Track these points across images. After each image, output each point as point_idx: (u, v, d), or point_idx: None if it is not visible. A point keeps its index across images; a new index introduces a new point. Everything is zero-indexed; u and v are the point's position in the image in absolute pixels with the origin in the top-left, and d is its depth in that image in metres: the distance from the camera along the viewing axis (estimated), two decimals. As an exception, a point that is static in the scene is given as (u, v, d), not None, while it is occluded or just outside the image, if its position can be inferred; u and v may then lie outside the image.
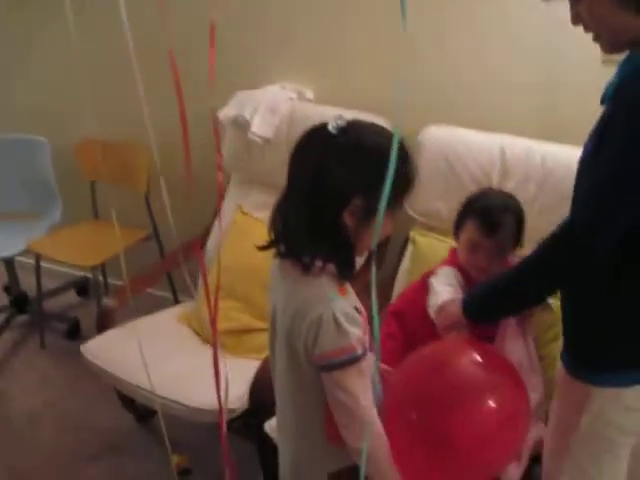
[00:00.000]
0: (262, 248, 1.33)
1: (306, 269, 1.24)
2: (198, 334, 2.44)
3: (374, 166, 1.15)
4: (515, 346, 1.72)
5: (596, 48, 2.06)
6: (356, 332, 1.23)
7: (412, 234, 2.28)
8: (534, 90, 2.28)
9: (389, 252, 2.44)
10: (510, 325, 1.71)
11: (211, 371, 2.14)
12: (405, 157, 1.25)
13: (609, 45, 1.32)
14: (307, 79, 2.61)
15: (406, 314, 1.88)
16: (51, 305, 3.31)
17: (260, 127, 2.44)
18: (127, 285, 2.57)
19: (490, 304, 1.54)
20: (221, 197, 1.08)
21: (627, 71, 1.26)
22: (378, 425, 1.29)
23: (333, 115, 2.39)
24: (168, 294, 3.12)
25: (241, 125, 2.50)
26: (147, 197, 2.97)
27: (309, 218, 1.22)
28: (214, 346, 1.21)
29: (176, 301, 3.09)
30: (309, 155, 1.24)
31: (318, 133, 1.24)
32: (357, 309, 1.28)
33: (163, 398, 2.07)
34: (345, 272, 1.27)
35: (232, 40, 2.69)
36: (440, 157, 2.16)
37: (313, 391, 1.30)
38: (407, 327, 1.86)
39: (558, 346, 1.99)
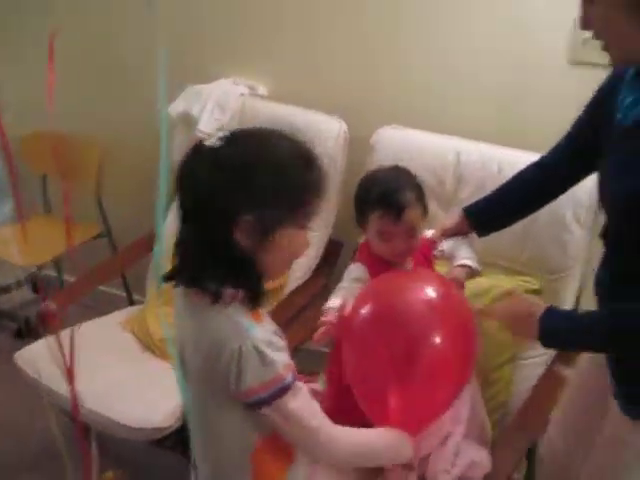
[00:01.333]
0: (168, 279, 1.20)
1: (215, 298, 1.12)
2: (140, 341, 2.33)
3: (262, 179, 1.08)
4: None
5: (561, 51, 1.97)
6: (282, 358, 1.15)
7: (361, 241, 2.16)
8: (494, 93, 2.16)
9: (341, 260, 2.35)
10: None
11: (143, 384, 2.04)
12: (305, 164, 1.15)
13: (617, 60, 1.23)
14: (262, 74, 2.48)
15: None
16: (4, 302, 3.19)
17: (207, 124, 2.32)
18: (65, 289, 2.48)
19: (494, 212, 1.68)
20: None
21: None
22: (339, 437, 1.22)
23: (285, 112, 2.29)
24: (123, 292, 3.02)
25: (189, 122, 2.38)
26: (98, 193, 2.84)
27: (203, 241, 1.11)
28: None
29: (130, 300, 2.98)
30: (192, 173, 1.12)
31: (200, 148, 1.13)
32: (276, 333, 1.18)
33: (91, 412, 1.96)
34: (255, 299, 1.15)
35: (184, 31, 2.56)
36: (393, 160, 1.98)
37: (236, 436, 1.20)
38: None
39: (512, 368, 1.91)
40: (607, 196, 1.34)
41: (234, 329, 1.11)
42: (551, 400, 1.77)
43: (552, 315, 1.35)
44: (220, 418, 1.20)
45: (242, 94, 2.40)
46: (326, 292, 2.30)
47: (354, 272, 1.69)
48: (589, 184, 1.61)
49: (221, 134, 1.11)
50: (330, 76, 2.38)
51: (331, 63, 2.37)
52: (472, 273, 1.66)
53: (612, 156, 1.32)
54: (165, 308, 2.27)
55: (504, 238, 1.82)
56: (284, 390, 1.13)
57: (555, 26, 2.00)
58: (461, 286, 1.63)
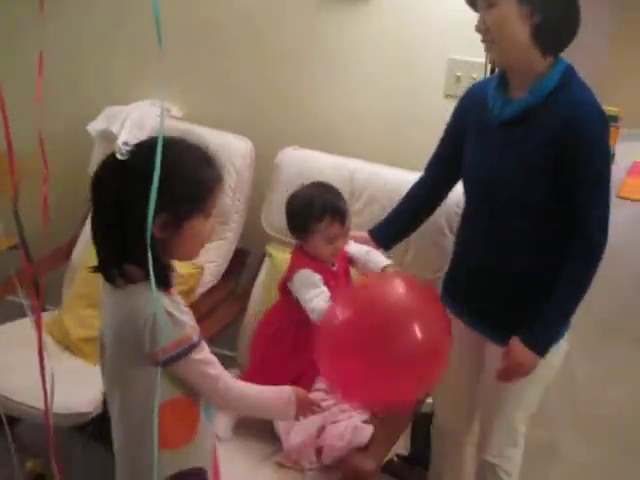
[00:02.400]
0: (94, 270, 1.35)
1: (128, 278, 1.29)
2: (59, 343, 2.48)
3: (170, 181, 1.21)
4: None
5: (439, 86, 2.31)
6: (189, 320, 1.32)
7: (268, 249, 2.42)
8: (383, 121, 2.50)
9: (248, 266, 2.59)
10: None
11: (64, 376, 2.21)
12: (204, 163, 1.34)
13: (500, 56, 1.66)
14: (176, 97, 2.72)
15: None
16: None
17: (127, 139, 2.52)
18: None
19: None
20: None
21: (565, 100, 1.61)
22: (234, 387, 1.41)
23: (198, 132, 2.53)
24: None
25: (109, 139, 2.57)
26: (15, 205, 2.97)
27: (121, 240, 1.27)
28: (39, 346, 1.25)
29: (43, 309, 3.09)
30: (106, 185, 1.29)
31: (110, 162, 1.30)
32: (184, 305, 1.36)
33: (14, 403, 2.13)
34: (160, 281, 1.27)
35: (103, 56, 2.78)
36: (295, 177, 2.29)
37: (145, 398, 1.31)
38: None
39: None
40: (498, 176, 1.72)
41: (147, 300, 1.27)
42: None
43: (531, 337, 1.71)
44: (132, 378, 1.35)
45: (158, 115, 2.61)
46: (233, 295, 2.55)
47: (314, 277, 1.95)
48: (455, 197, 1.98)
49: (128, 147, 1.27)
50: (239, 100, 2.66)
51: (239, 88, 2.65)
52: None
53: (494, 146, 1.73)
54: (86, 311, 2.47)
55: (392, 243, 2.12)
56: (192, 347, 1.31)
57: (435, 65, 2.36)
58: None
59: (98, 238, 1.34)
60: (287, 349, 2.00)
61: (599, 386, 3.27)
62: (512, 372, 1.74)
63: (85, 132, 2.65)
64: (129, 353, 1.32)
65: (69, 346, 2.44)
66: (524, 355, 1.70)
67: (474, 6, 1.68)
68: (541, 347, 1.71)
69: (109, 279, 1.33)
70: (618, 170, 6.94)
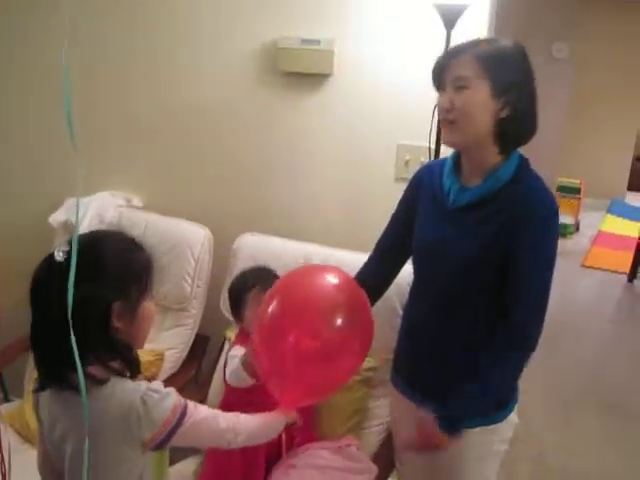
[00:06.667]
0: (36, 390, 1.37)
1: (98, 380, 1.28)
2: (19, 434, 2.46)
3: (113, 273, 1.31)
4: None
5: (389, 170, 2.40)
6: (170, 392, 1.34)
7: (228, 334, 2.44)
8: (337, 207, 2.59)
9: (209, 352, 2.61)
10: None
11: (22, 467, 2.19)
12: (135, 246, 1.40)
13: (458, 137, 1.65)
14: (137, 188, 2.80)
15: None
16: None
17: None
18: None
19: None
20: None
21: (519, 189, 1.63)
22: (237, 424, 1.48)
23: (158, 221, 2.58)
24: (-1, 393, 3.10)
25: (70, 230, 2.62)
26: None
27: (73, 338, 1.11)
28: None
29: (6, 399, 3.07)
30: (51, 289, 1.26)
31: (49, 267, 1.29)
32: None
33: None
34: (133, 367, 1.34)
35: (62, 148, 2.84)
36: (252, 262, 2.33)
37: None
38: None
39: (355, 436, 2.21)
40: (448, 257, 1.73)
41: (120, 393, 1.29)
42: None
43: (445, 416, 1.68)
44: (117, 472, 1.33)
45: (119, 205, 2.68)
46: (194, 382, 2.56)
47: (240, 351, 2.01)
48: (407, 276, 2.00)
49: (63, 248, 1.27)
50: (197, 189, 2.76)
51: (197, 178, 2.75)
52: None
53: (447, 231, 1.73)
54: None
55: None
56: (185, 413, 1.34)
57: (385, 150, 2.47)
58: None
59: (46, 347, 1.31)
60: None
61: (566, 458, 3.28)
62: (422, 445, 1.71)
63: (48, 224, 2.69)
64: (117, 446, 1.31)
65: (29, 438, 2.42)
66: (435, 431, 1.66)
67: (439, 84, 1.69)
68: (454, 427, 1.67)
69: (70, 386, 1.27)
70: (583, 239, 7.10)
